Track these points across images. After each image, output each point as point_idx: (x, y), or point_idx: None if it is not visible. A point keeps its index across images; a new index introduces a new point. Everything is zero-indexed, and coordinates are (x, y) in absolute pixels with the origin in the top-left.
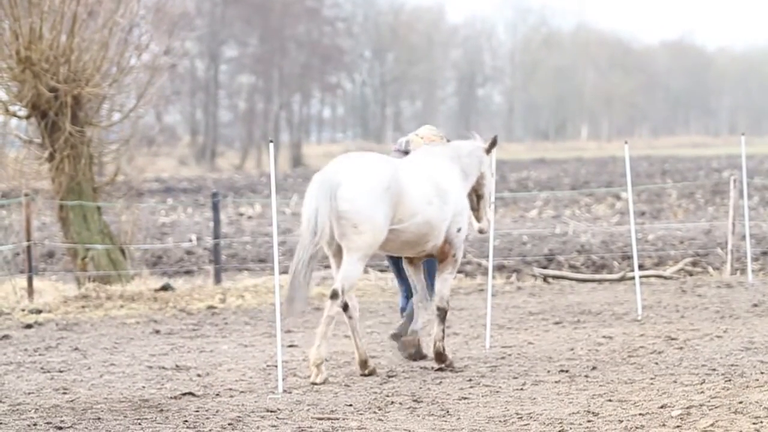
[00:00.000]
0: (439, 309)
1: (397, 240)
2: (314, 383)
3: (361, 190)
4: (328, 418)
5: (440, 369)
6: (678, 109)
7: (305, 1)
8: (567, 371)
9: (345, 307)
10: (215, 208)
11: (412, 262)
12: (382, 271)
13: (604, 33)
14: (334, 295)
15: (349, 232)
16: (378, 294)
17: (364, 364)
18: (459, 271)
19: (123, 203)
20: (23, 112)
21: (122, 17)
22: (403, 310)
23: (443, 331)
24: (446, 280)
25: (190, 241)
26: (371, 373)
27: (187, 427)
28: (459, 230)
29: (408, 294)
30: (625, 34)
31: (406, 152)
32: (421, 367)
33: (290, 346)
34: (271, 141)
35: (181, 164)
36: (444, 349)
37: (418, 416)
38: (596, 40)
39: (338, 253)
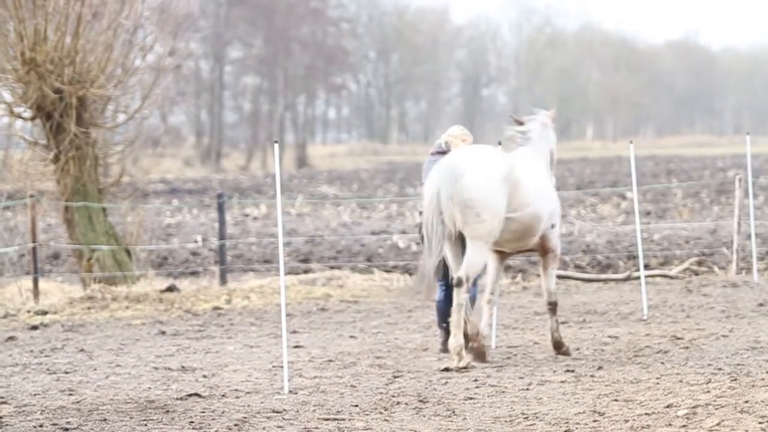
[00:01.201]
0: (550, 303)
1: (507, 230)
2: (459, 368)
3: (483, 179)
4: (334, 419)
5: (562, 353)
6: (683, 109)
7: (310, 2)
8: (573, 371)
9: (459, 283)
10: (220, 209)
11: (501, 259)
12: (387, 271)
13: (609, 33)
14: (459, 283)
15: (471, 220)
16: (383, 294)
17: (474, 343)
18: None
19: (128, 204)
20: (28, 114)
21: (127, 18)
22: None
23: (557, 321)
24: (551, 276)
25: (196, 242)
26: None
27: (193, 428)
28: (553, 226)
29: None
30: (629, 34)
31: (445, 153)
32: (426, 368)
33: (296, 346)
34: (276, 142)
35: (186, 165)
36: (561, 338)
37: (424, 416)
38: (601, 40)
39: (456, 242)
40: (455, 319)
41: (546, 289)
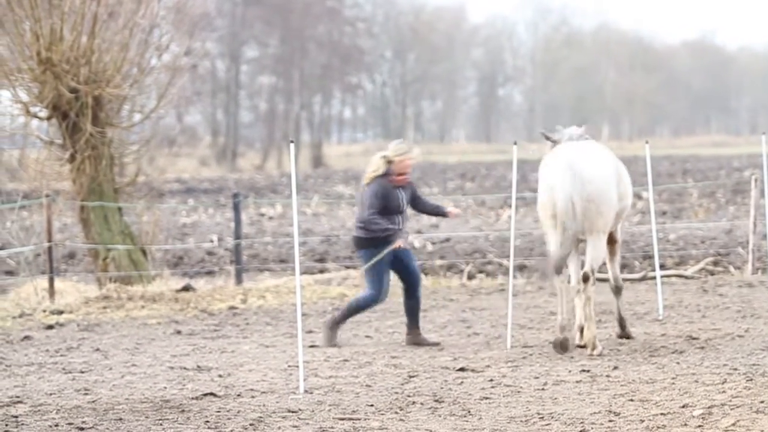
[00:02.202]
0: (617, 287)
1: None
2: (594, 355)
3: (602, 175)
4: (350, 419)
5: (624, 334)
6: (699, 109)
7: (326, 2)
8: (588, 371)
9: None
10: (236, 209)
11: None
12: None
13: (625, 32)
14: (586, 278)
15: (593, 214)
16: (399, 294)
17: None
18: (480, 271)
19: (144, 204)
20: (44, 113)
21: (143, 18)
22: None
23: (621, 302)
24: (617, 263)
25: (211, 241)
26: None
27: (209, 428)
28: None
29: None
30: (645, 33)
31: (387, 176)
32: (442, 368)
33: (311, 346)
34: (292, 141)
35: (202, 165)
36: (625, 319)
37: (440, 416)
38: (617, 40)
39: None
40: (587, 313)
41: (613, 276)
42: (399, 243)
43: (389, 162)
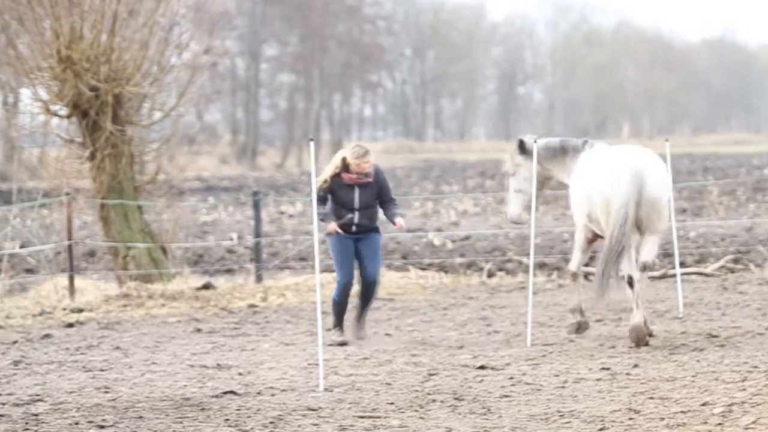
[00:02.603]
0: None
1: None
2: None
3: (663, 179)
4: (370, 417)
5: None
6: (719, 107)
7: (345, 0)
8: (608, 369)
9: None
10: (256, 207)
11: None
12: (423, 269)
13: (645, 30)
14: (644, 268)
15: (654, 217)
16: (418, 292)
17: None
18: (500, 269)
19: (164, 202)
20: (64, 112)
21: (163, 16)
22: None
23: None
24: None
25: (231, 239)
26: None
27: (229, 426)
28: None
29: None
30: (666, 31)
31: (346, 173)
32: (462, 365)
33: (331, 344)
34: (312, 139)
35: (222, 163)
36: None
37: (460, 414)
38: (637, 38)
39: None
40: (639, 300)
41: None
42: (330, 228)
43: (347, 164)
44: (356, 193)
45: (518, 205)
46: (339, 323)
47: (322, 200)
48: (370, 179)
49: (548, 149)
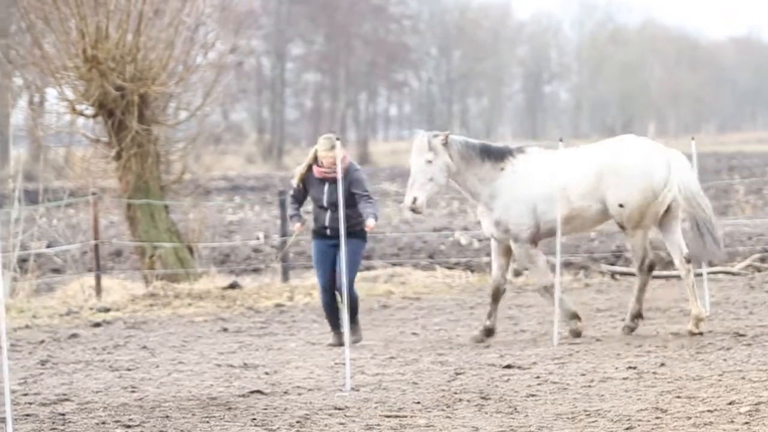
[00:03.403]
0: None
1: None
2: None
3: (693, 173)
4: (396, 416)
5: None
6: (745, 105)
7: None
8: (635, 368)
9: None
10: (282, 206)
11: None
12: (449, 268)
13: (671, 29)
14: (689, 260)
15: (686, 206)
16: (445, 291)
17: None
18: (527, 269)
19: (190, 201)
20: (90, 111)
21: (188, 16)
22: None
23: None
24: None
25: (258, 239)
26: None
27: (255, 425)
28: None
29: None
30: (692, 29)
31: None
32: (488, 365)
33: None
34: (338, 139)
35: (248, 162)
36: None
37: (486, 413)
38: (663, 36)
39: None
40: (692, 291)
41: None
42: (296, 227)
43: (316, 156)
44: (326, 188)
45: (426, 194)
46: (332, 326)
47: (297, 199)
48: (337, 174)
49: (467, 148)
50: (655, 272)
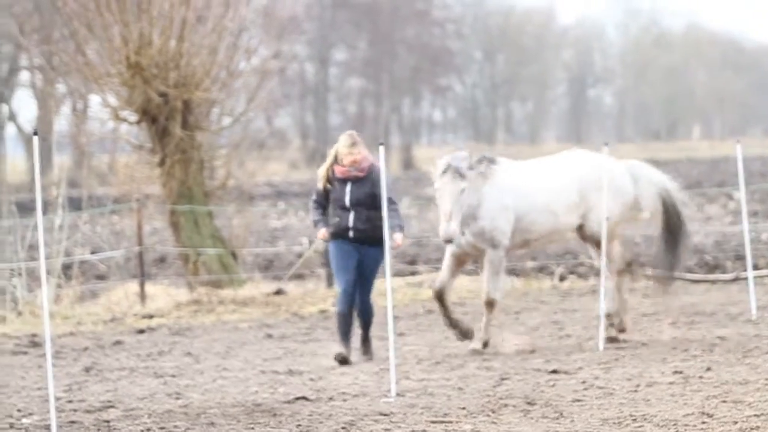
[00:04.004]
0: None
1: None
2: None
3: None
4: (442, 422)
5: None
6: None
7: (414, 4)
8: (681, 372)
9: None
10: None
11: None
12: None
13: (716, 32)
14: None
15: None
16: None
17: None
18: (571, 273)
19: (234, 207)
20: (133, 118)
21: (231, 21)
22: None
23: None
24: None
25: (302, 245)
26: None
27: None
28: None
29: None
30: (736, 33)
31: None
32: (534, 370)
33: (403, 348)
34: (382, 144)
35: (292, 168)
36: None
37: (532, 419)
38: (707, 40)
39: None
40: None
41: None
42: (319, 234)
43: (336, 156)
44: (348, 188)
45: (459, 222)
46: (343, 338)
47: (320, 204)
48: (362, 174)
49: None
50: (701, 276)
